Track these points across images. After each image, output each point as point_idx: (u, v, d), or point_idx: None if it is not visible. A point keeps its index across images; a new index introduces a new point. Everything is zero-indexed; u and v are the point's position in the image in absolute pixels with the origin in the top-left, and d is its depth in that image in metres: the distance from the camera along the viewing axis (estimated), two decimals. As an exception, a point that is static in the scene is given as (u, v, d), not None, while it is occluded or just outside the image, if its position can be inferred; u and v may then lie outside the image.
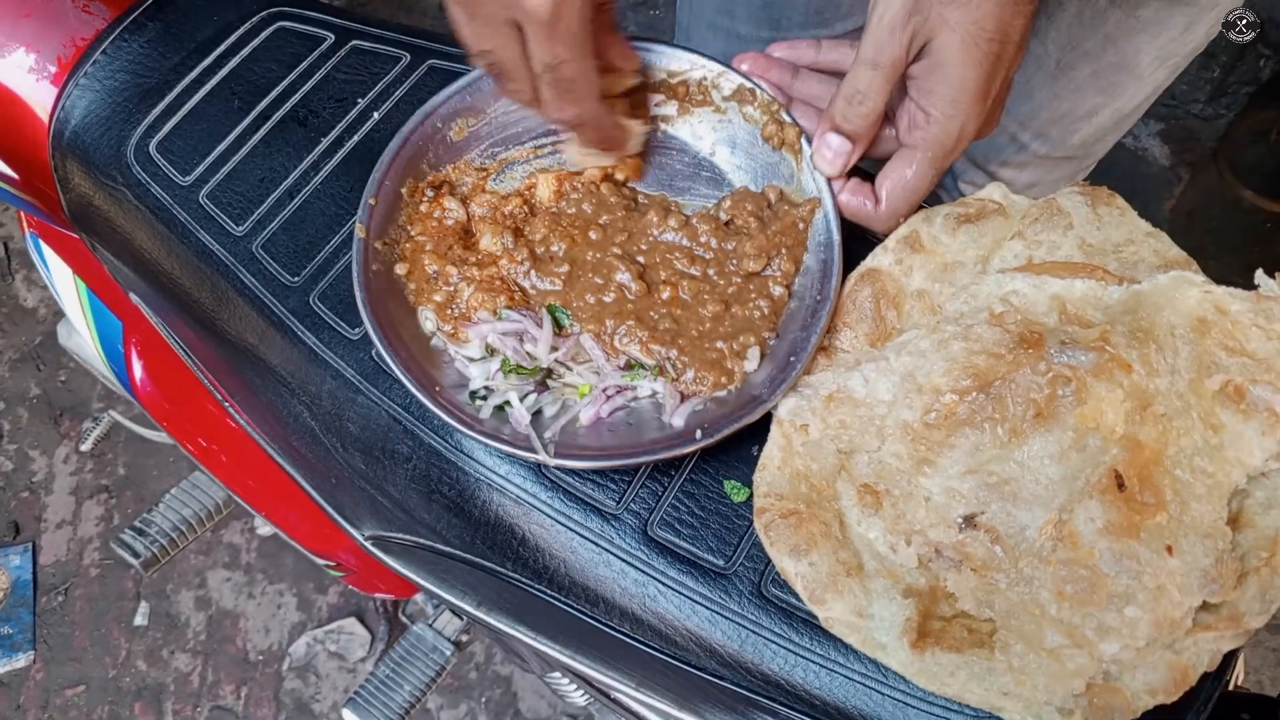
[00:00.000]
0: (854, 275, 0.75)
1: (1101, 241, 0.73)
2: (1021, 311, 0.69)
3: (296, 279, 0.83)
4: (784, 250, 0.77)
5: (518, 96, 0.73)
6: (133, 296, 1.00)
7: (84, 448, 2.23)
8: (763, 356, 0.74)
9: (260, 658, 2.06)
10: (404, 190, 0.80)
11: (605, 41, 0.75)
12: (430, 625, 1.43)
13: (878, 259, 0.74)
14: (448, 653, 1.43)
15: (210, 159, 0.90)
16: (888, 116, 0.74)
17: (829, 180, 0.76)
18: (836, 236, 0.75)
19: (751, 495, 0.71)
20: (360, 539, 0.89)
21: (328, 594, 2.09)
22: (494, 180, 0.83)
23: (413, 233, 0.79)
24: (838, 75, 0.75)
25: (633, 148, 0.81)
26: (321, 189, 0.87)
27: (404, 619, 2.02)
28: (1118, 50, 1.07)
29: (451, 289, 0.76)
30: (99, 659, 2.06)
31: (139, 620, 2.10)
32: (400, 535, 0.82)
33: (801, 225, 0.77)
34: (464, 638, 1.45)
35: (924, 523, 0.64)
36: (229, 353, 0.89)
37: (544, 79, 0.69)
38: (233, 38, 0.97)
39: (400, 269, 0.77)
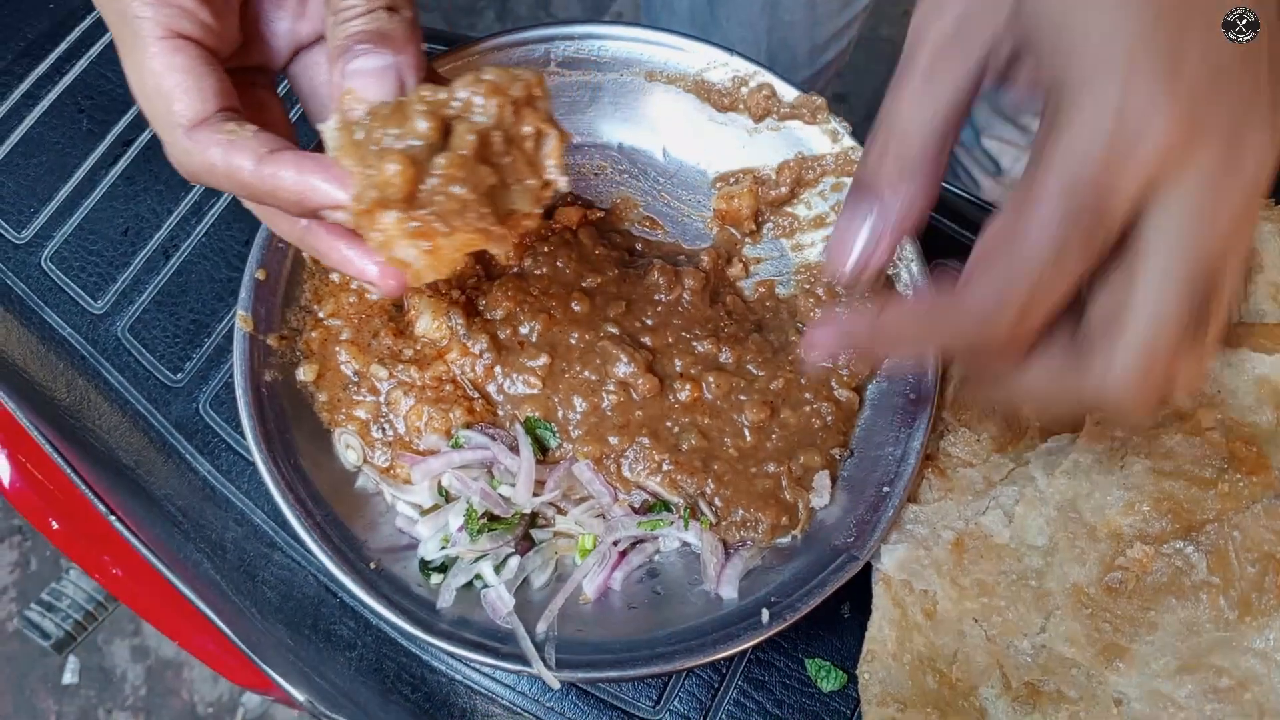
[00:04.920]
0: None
1: (1304, 286, 0.52)
2: (1220, 407, 0.48)
3: (179, 377, 0.60)
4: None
5: None
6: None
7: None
8: (835, 483, 0.52)
9: (210, 711, 1.85)
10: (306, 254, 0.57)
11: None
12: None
13: (997, 326, 0.53)
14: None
15: (52, 207, 0.66)
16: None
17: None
18: (921, 280, 0.53)
19: (849, 683, 0.50)
20: (299, 700, 0.67)
21: (281, 634, 1.87)
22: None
23: (321, 314, 0.55)
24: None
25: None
26: (207, 243, 0.64)
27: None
28: None
29: (380, 399, 0.53)
30: (25, 725, 1.83)
31: (68, 678, 1.87)
32: (350, 725, 0.61)
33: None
34: None
35: (1118, 741, 0.44)
36: (103, 469, 0.66)
37: None
38: (76, 32, 0.72)
39: (305, 373, 0.54)
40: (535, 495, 0.50)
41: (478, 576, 0.49)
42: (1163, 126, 0.33)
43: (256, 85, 0.49)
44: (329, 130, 0.40)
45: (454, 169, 0.38)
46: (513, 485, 0.50)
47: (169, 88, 0.42)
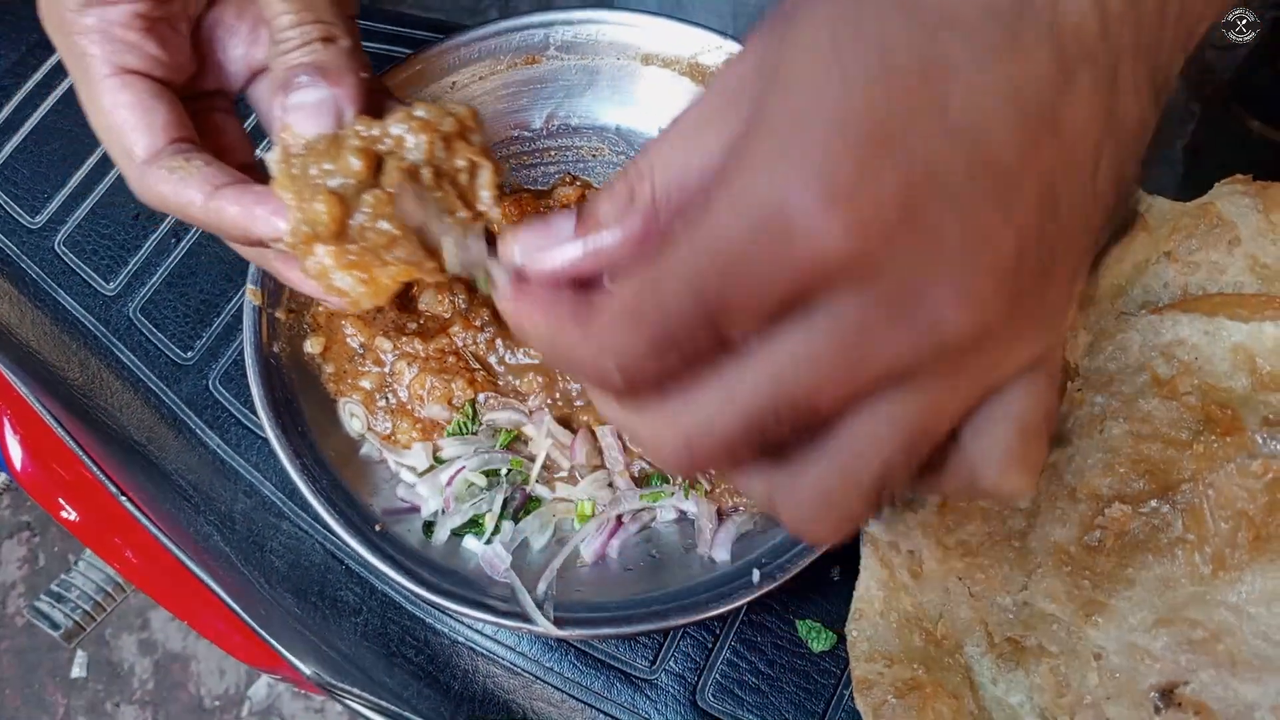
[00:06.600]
0: (952, 323, 0.55)
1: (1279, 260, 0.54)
2: (1196, 373, 0.50)
3: (189, 355, 0.62)
4: None
5: None
6: (-10, 364, 0.78)
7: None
8: None
9: (216, 704, 1.86)
10: None
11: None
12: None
13: (982, 299, 0.55)
14: None
15: (65, 192, 0.68)
16: None
17: None
18: None
19: (838, 643, 0.52)
20: (306, 674, 0.69)
21: (286, 628, 1.89)
22: None
23: None
24: None
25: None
26: (217, 226, 0.65)
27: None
28: None
29: (385, 370, 0.55)
30: (34, 719, 1.84)
31: (76, 672, 1.88)
32: (355, 692, 0.62)
33: None
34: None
35: (1097, 693, 0.45)
36: (114, 448, 0.68)
37: None
38: (88, 23, 0.74)
39: (312, 345, 0.56)
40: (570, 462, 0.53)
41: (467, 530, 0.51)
42: (823, 229, 0.26)
43: (215, 110, 0.50)
44: (271, 162, 0.42)
45: (381, 206, 0.40)
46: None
47: (119, 124, 0.44)
